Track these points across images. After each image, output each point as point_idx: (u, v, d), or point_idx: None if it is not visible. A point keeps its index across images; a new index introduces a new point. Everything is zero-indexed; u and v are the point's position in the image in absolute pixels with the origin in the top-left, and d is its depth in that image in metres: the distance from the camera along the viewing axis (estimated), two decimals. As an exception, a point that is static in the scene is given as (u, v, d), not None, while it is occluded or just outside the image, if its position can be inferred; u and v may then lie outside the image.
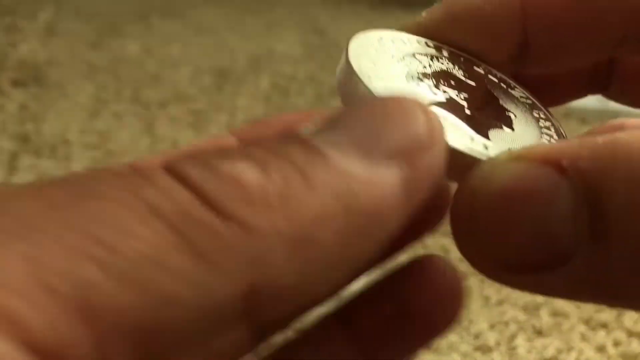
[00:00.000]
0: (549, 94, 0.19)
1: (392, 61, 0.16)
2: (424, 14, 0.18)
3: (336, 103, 0.63)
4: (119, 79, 0.75)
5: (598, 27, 0.17)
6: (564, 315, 0.40)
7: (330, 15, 0.95)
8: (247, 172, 0.11)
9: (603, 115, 0.72)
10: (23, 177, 0.56)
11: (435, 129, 0.12)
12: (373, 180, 0.11)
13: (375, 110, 0.12)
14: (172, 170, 0.11)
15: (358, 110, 0.13)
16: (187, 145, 0.61)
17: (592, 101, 0.65)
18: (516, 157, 0.12)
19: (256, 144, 0.12)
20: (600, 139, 0.12)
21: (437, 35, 0.17)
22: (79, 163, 0.58)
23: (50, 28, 0.90)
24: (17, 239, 0.10)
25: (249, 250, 0.10)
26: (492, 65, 0.17)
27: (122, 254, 0.10)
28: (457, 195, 0.13)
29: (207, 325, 0.10)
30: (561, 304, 0.41)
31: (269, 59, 0.81)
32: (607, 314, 0.40)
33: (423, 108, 0.12)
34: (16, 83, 0.73)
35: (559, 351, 0.39)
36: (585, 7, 0.17)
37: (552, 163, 0.12)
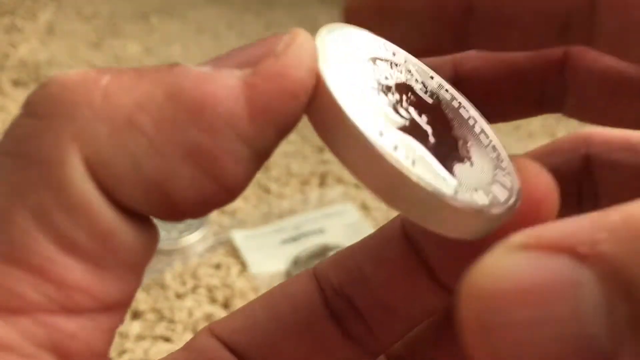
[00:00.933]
0: (498, 108, 0.19)
1: (358, 66, 0.14)
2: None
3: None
4: (119, 79, 0.75)
5: (544, 4, 0.17)
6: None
7: (330, 15, 0.95)
8: (72, 74, 0.12)
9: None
10: (23, 177, 0.56)
11: (290, 41, 0.13)
12: (206, 77, 0.12)
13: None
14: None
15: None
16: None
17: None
18: (523, 247, 0.10)
19: None
20: (614, 216, 0.10)
21: (373, 22, 0.17)
22: (79, 163, 0.58)
23: (50, 28, 0.90)
24: None
25: (73, 132, 0.12)
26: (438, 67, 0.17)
27: None
28: (462, 301, 0.10)
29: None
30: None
31: (268, 59, 0.81)
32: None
33: (289, 33, 0.13)
34: (16, 83, 0.73)
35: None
36: None
37: (567, 250, 0.10)
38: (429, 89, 0.16)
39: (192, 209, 0.13)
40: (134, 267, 0.13)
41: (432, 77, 0.16)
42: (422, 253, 0.16)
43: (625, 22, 0.16)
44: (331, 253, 0.50)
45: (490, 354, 0.10)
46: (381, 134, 0.13)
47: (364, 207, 0.52)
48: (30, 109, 0.12)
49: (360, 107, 0.13)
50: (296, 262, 0.48)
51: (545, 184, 0.14)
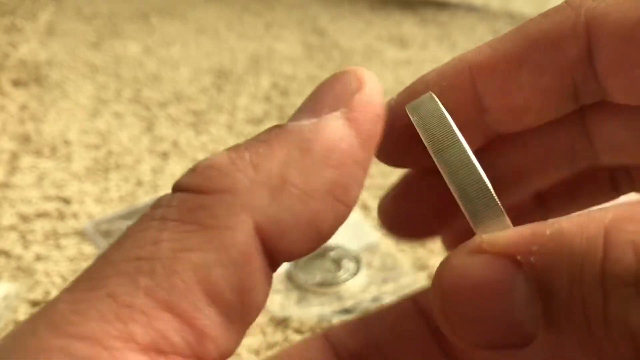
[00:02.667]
0: (574, 198, 0.21)
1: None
2: (394, 97, 0.19)
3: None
4: (119, 79, 0.75)
5: (547, 81, 0.18)
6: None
7: (330, 15, 0.95)
8: (217, 158, 0.15)
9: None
10: (23, 177, 0.56)
11: (360, 76, 0.16)
12: (320, 127, 0.15)
13: (318, 87, 0.16)
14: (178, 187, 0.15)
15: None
16: (187, 145, 0.61)
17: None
18: (477, 250, 0.14)
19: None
20: (548, 230, 0.13)
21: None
22: (80, 163, 0.58)
23: (51, 28, 0.90)
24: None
25: (242, 203, 0.14)
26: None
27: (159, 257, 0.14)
28: (433, 285, 0.15)
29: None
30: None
31: (269, 59, 0.81)
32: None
33: (348, 71, 0.16)
34: (16, 83, 0.73)
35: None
36: (527, 64, 0.17)
37: (509, 257, 0.14)
38: None
39: (331, 235, 0.15)
40: (251, 322, 0.14)
41: None
42: (437, 330, 0.18)
43: (627, 78, 0.16)
44: (332, 253, 0.49)
45: (451, 333, 0.14)
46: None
47: (364, 207, 0.52)
48: (193, 187, 0.14)
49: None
50: (296, 262, 0.48)
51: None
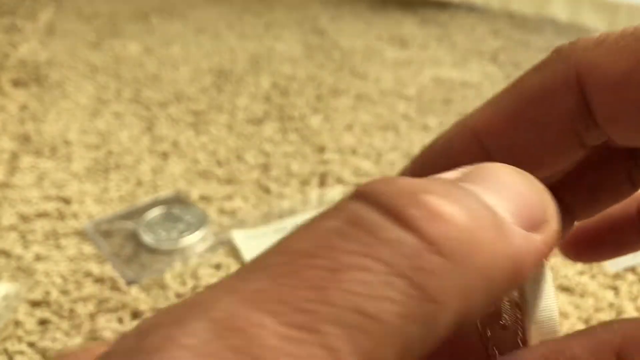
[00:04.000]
0: (595, 200, 0.21)
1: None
2: (406, 166, 0.20)
3: (335, 103, 0.63)
4: (119, 79, 0.75)
5: (549, 136, 0.18)
6: (563, 315, 0.40)
7: (330, 15, 0.95)
8: (458, 213, 0.13)
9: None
10: (23, 177, 0.56)
11: (546, 199, 0.15)
12: (531, 249, 0.14)
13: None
14: (394, 213, 0.13)
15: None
16: (187, 145, 0.61)
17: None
18: None
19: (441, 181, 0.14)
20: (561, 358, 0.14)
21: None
22: (80, 163, 0.58)
23: (51, 28, 0.90)
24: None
25: (460, 285, 0.12)
26: None
27: (381, 320, 0.12)
28: None
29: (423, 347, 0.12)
30: (560, 303, 0.41)
31: (269, 59, 0.81)
32: (605, 313, 0.40)
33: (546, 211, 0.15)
34: (16, 83, 0.73)
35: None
36: (527, 122, 0.18)
37: None
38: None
39: None
40: None
41: None
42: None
43: (624, 126, 0.17)
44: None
45: None
46: None
47: (364, 207, 0.52)
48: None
49: None
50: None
51: None
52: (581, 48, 0.17)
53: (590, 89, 0.17)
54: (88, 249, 0.47)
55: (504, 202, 0.14)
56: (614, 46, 0.16)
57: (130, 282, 0.44)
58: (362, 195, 0.13)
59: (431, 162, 0.19)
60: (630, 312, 0.40)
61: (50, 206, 0.52)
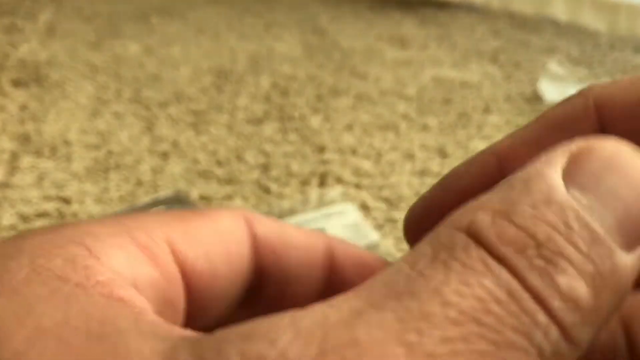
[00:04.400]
0: None
1: None
2: (428, 192, 0.21)
3: (335, 103, 0.63)
4: (119, 79, 0.75)
5: None
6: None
7: (330, 15, 0.95)
8: (580, 289, 0.12)
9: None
10: (23, 177, 0.56)
11: None
12: (629, 269, 0.13)
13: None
14: (505, 262, 0.12)
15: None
16: (187, 145, 0.61)
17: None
18: None
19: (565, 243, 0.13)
20: None
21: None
22: (80, 163, 0.58)
23: (51, 28, 0.90)
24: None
25: None
26: None
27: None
28: None
29: None
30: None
31: (269, 59, 0.81)
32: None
33: None
34: (17, 83, 0.73)
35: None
36: (545, 145, 0.19)
37: None
38: None
39: None
40: None
41: None
42: None
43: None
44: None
45: None
46: None
47: (364, 207, 0.52)
48: None
49: None
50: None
51: None
52: (599, 86, 0.19)
53: (607, 117, 0.18)
54: (88, 249, 0.47)
55: (610, 215, 0.13)
56: (627, 83, 0.18)
57: (130, 282, 0.44)
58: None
59: (453, 184, 0.20)
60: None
61: (50, 206, 0.52)
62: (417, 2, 1.00)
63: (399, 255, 0.45)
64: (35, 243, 0.13)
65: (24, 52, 0.81)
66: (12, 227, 0.49)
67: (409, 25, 0.92)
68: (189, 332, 0.12)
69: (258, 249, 0.18)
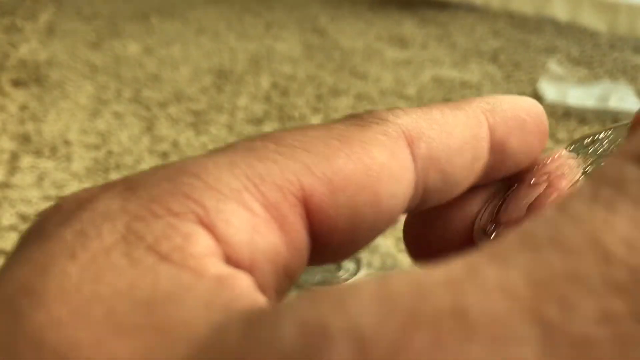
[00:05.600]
0: None
1: None
2: None
3: (335, 103, 0.63)
4: (119, 79, 0.75)
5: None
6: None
7: (330, 15, 0.95)
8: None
9: (603, 115, 0.72)
10: (23, 177, 0.56)
11: None
12: None
13: None
14: None
15: None
16: (187, 145, 0.61)
17: (592, 101, 0.65)
18: None
19: None
20: None
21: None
22: (80, 163, 0.58)
23: (51, 28, 0.90)
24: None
25: None
26: None
27: None
28: None
29: None
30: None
31: (269, 59, 0.81)
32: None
33: None
34: (17, 83, 0.73)
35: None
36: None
37: None
38: None
39: None
40: None
41: None
42: None
43: None
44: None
45: None
46: None
47: (364, 207, 0.52)
48: None
49: None
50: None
51: None
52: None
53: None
54: (88, 249, 0.47)
55: None
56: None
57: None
58: None
59: None
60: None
61: (50, 206, 0.52)
62: (417, 2, 1.00)
63: (399, 255, 0.45)
64: (142, 201, 0.11)
65: (24, 52, 0.81)
66: (12, 227, 0.49)
67: (408, 25, 0.92)
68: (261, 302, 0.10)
69: (424, 170, 0.14)
